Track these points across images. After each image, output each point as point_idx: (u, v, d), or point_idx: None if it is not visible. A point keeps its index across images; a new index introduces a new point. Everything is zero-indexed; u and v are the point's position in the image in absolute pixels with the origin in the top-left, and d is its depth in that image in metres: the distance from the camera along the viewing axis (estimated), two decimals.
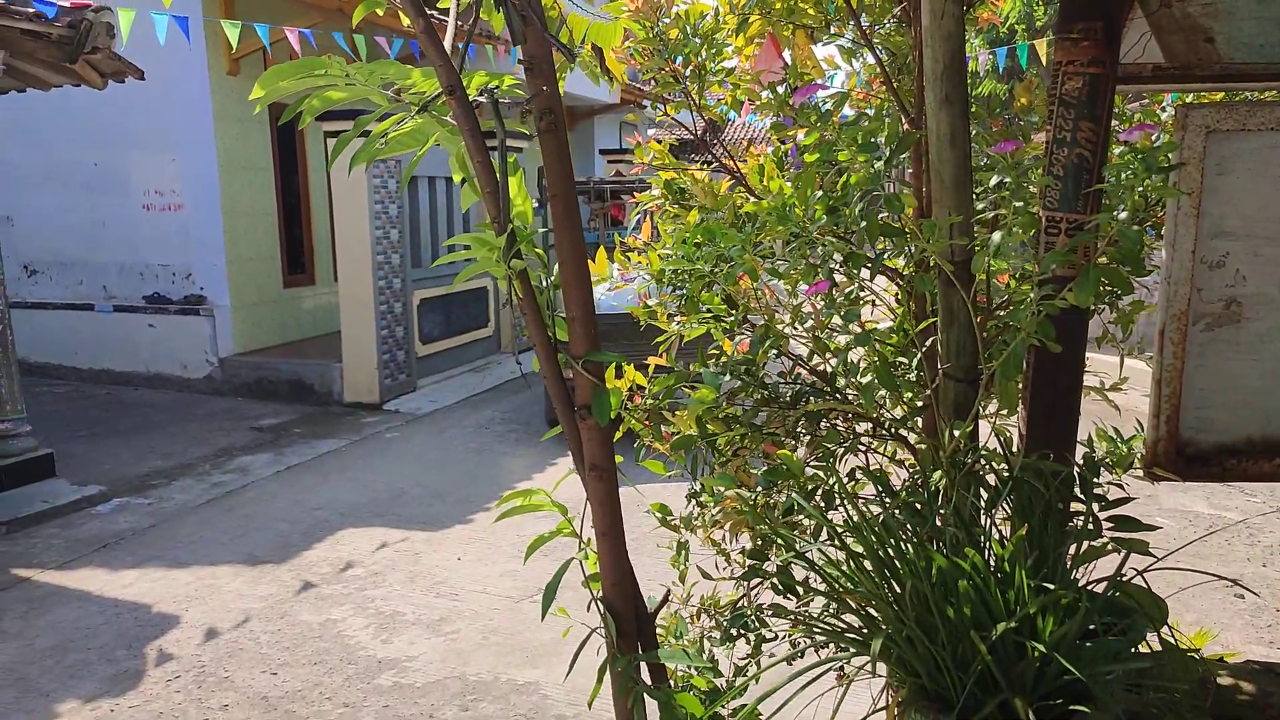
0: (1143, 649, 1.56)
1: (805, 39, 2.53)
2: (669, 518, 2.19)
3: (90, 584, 4.67)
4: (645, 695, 1.76)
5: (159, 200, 9.05)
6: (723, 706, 1.81)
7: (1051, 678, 1.43)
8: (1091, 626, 1.52)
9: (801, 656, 1.78)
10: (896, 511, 1.71)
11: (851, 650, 1.60)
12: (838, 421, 2.21)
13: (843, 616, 1.67)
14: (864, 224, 1.75)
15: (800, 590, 1.87)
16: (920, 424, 2.15)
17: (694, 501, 2.18)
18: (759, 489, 2.03)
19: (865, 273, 1.94)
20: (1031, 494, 1.66)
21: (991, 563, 1.59)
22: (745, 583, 2.11)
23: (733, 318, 2.15)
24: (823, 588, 1.71)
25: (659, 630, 2.02)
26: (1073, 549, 1.63)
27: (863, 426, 2.22)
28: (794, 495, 1.93)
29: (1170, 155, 1.88)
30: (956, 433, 1.75)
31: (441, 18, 1.81)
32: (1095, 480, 1.72)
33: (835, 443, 2.14)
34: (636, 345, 4.15)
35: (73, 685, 3.69)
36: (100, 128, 9.02)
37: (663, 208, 2.50)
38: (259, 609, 4.34)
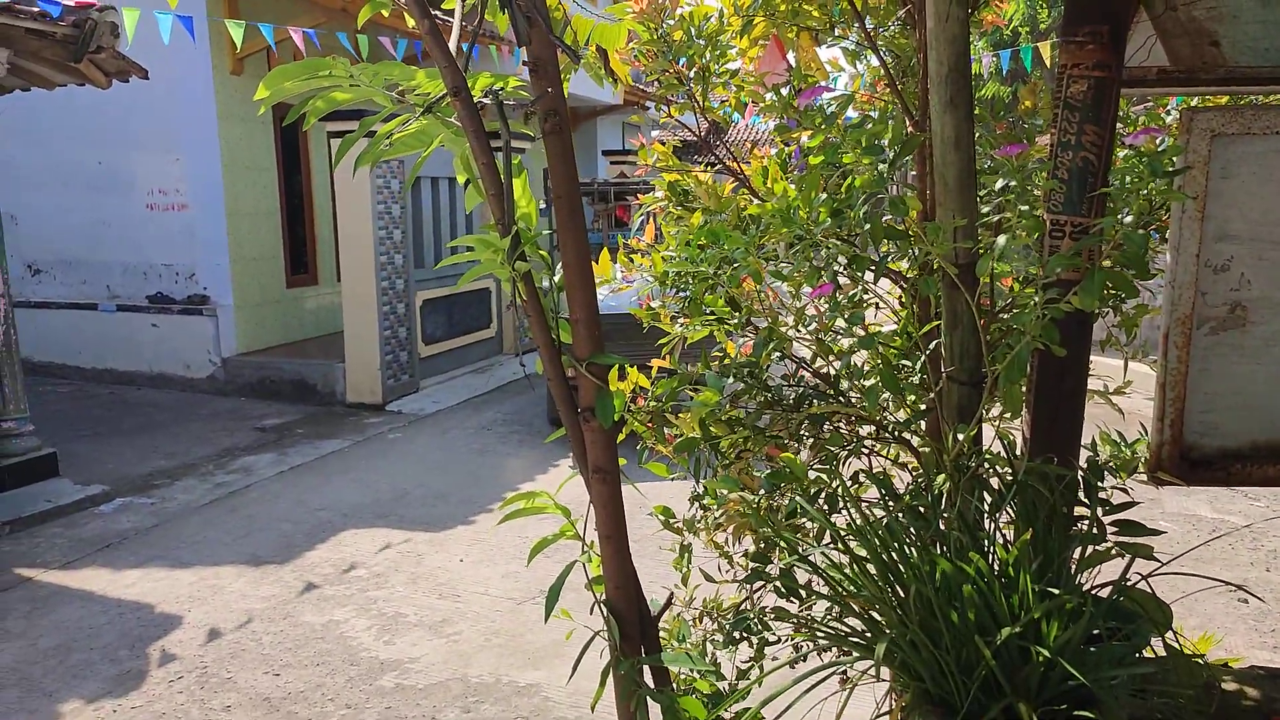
0: (1147, 654, 1.56)
1: (809, 41, 2.53)
2: (672, 520, 2.19)
3: (93, 584, 4.67)
4: (648, 698, 1.75)
5: (163, 200, 9.07)
6: (725, 710, 1.81)
7: (1056, 683, 1.42)
8: (1096, 631, 1.51)
9: (804, 660, 1.78)
10: (900, 515, 1.70)
11: (855, 654, 1.59)
12: (841, 424, 2.21)
13: (846, 620, 1.67)
14: (868, 227, 1.74)
15: (803, 594, 1.86)
16: (924, 427, 2.15)
17: (697, 504, 2.18)
18: (762, 492, 2.02)
19: (869, 275, 1.93)
20: (1035, 498, 1.66)
21: (995, 567, 1.59)
22: (748, 586, 2.11)
23: (736, 320, 2.14)
24: (826, 591, 1.71)
25: (661, 633, 2.01)
26: (1077, 553, 1.62)
27: (866, 429, 2.21)
28: (797, 498, 1.92)
29: (1175, 159, 1.88)
30: (960, 436, 1.75)
31: (446, 19, 1.81)
32: (1099, 484, 1.71)
33: (838, 446, 2.14)
34: (635, 344, 4.14)
35: (76, 685, 3.70)
36: (104, 127, 9.04)
37: (666, 209, 2.50)
38: (262, 610, 4.34)
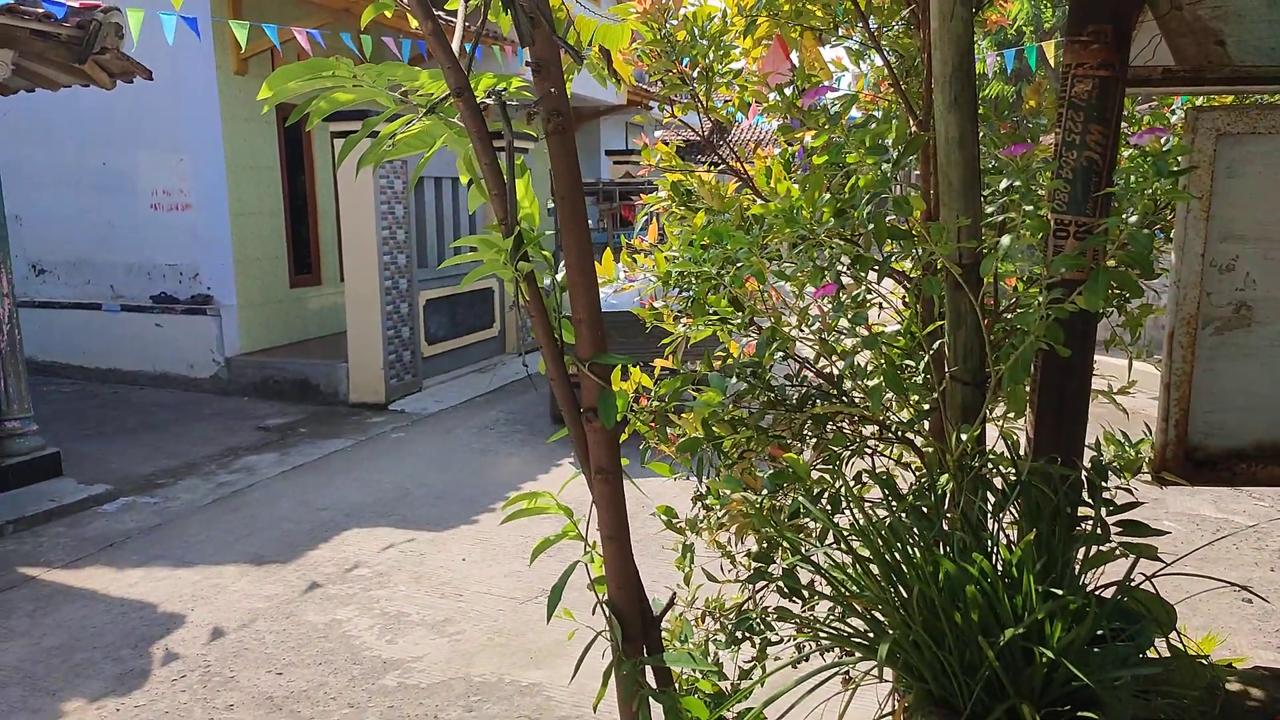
0: (1151, 654, 1.55)
1: (813, 41, 2.52)
2: (674, 520, 2.19)
3: (96, 583, 4.68)
4: (650, 699, 1.75)
5: (166, 200, 9.08)
6: (728, 710, 1.80)
7: (1059, 683, 1.42)
8: (1100, 632, 1.51)
9: (807, 660, 1.77)
10: (903, 515, 1.70)
11: (857, 655, 1.59)
12: (844, 424, 2.21)
13: (849, 620, 1.67)
14: (871, 226, 1.74)
15: (806, 594, 1.86)
16: (927, 427, 2.15)
17: (700, 504, 2.18)
18: (765, 492, 2.02)
19: (873, 275, 1.93)
20: (1039, 498, 1.66)
21: (999, 567, 1.58)
22: (750, 586, 2.11)
23: (739, 320, 2.14)
24: (829, 591, 1.71)
25: (664, 633, 2.01)
26: (1081, 554, 1.62)
27: (869, 429, 2.21)
28: (800, 498, 1.92)
29: (1180, 158, 1.87)
30: (964, 436, 1.74)
31: (449, 19, 1.81)
32: (1103, 484, 1.71)
33: (842, 446, 2.14)
34: (635, 342, 4.14)
35: (79, 684, 3.70)
36: (108, 128, 9.06)
37: (669, 209, 2.49)
38: (264, 609, 4.35)
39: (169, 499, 5.98)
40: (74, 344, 9.61)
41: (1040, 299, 1.60)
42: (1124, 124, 1.99)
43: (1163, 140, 1.79)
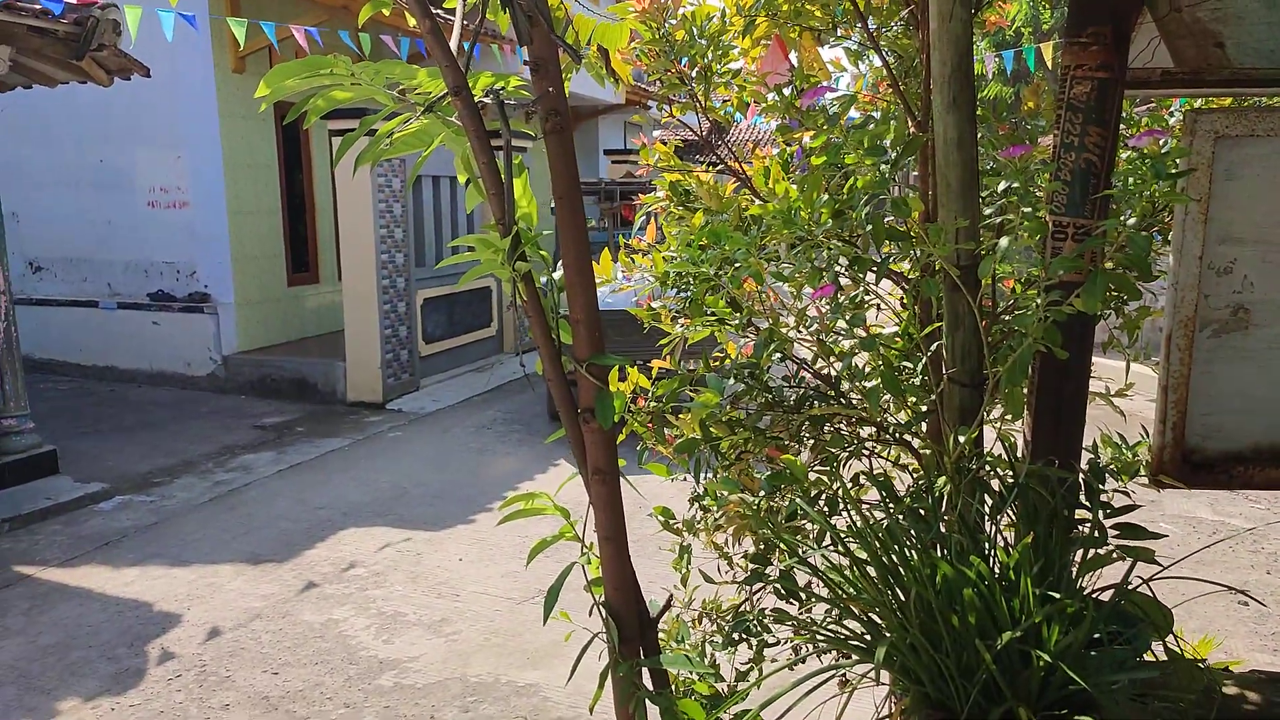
0: (1148, 658, 1.55)
1: (812, 41, 2.52)
2: (671, 521, 2.18)
3: (92, 581, 4.67)
4: (647, 700, 1.75)
5: (164, 198, 9.07)
6: (724, 712, 1.80)
7: (1056, 687, 1.42)
8: (1097, 635, 1.51)
9: (804, 663, 1.77)
10: (900, 517, 1.70)
11: (854, 657, 1.59)
12: (842, 426, 2.21)
13: (845, 623, 1.66)
14: (870, 227, 1.74)
15: (803, 595, 1.86)
16: (925, 429, 2.14)
17: (697, 505, 2.18)
18: (762, 493, 2.02)
19: (870, 276, 1.93)
20: (1037, 501, 1.65)
21: (996, 570, 1.58)
22: (747, 587, 2.10)
23: (737, 321, 2.14)
24: (826, 593, 1.70)
25: (661, 634, 2.01)
26: (1078, 556, 1.62)
27: (867, 431, 2.21)
28: (797, 500, 1.92)
29: (1178, 161, 1.87)
30: (961, 438, 1.74)
31: (448, 17, 1.80)
32: (1101, 487, 1.71)
33: (839, 447, 2.13)
34: (632, 341, 4.13)
35: (74, 683, 3.69)
36: (106, 125, 9.04)
37: (667, 209, 2.49)
38: (261, 608, 4.34)
39: (165, 497, 5.97)
40: (71, 342, 9.60)
41: (1038, 301, 1.60)
42: (1122, 126, 1.99)
43: (1161, 142, 1.79)
